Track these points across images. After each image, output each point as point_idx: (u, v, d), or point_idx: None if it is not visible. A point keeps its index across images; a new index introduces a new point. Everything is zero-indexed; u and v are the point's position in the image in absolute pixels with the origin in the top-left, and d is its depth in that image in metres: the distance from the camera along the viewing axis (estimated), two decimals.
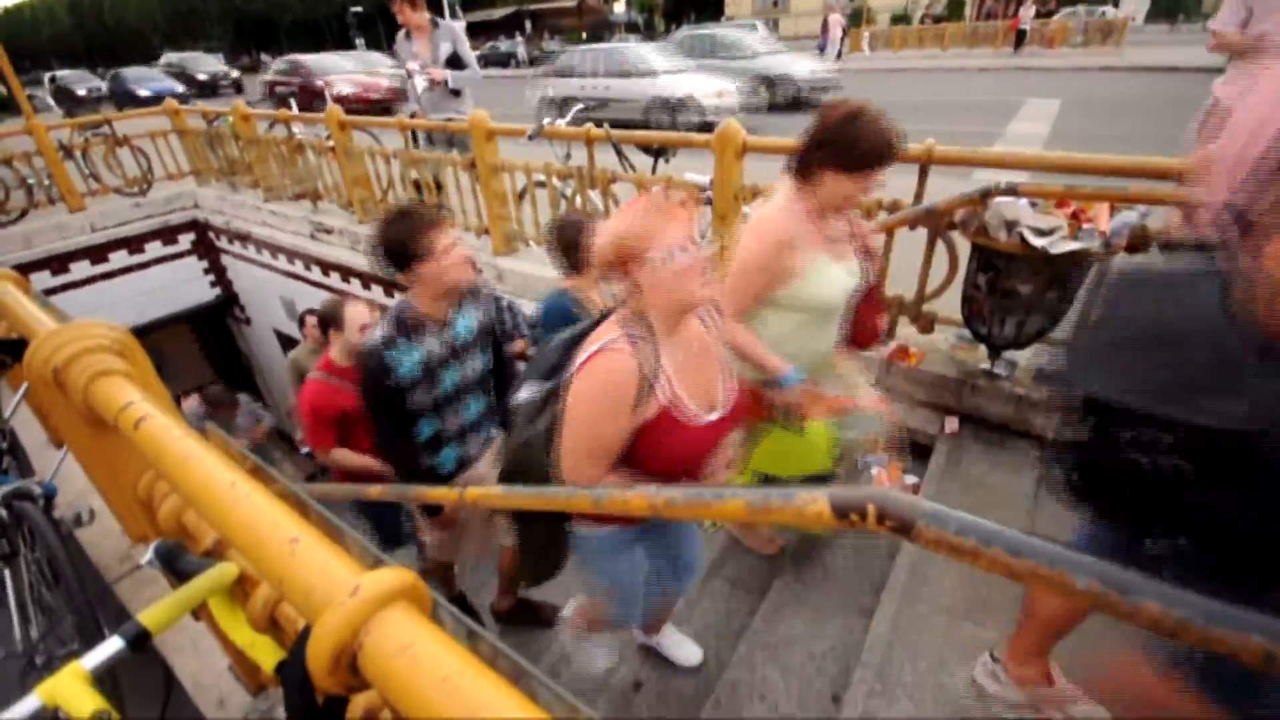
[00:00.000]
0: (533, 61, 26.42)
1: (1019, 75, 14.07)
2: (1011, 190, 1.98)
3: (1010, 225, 1.97)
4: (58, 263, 5.73)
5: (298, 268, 5.59)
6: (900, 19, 29.35)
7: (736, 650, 1.96)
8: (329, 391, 2.38)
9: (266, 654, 0.84)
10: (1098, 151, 2.08)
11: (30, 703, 0.65)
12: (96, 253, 5.97)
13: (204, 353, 8.85)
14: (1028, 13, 18.47)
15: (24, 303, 1.27)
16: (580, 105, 3.74)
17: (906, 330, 2.73)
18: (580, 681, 2.07)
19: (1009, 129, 8.28)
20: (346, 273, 5.04)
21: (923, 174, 2.33)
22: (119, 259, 6.13)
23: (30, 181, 5.65)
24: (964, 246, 2.35)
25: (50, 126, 5.71)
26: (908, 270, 2.64)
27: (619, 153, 3.20)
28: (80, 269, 5.90)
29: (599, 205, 3.41)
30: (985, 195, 2.03)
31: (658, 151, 3.37)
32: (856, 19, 27.14)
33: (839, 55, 19.71)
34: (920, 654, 1.72)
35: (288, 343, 6.98)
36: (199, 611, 1.14)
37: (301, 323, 3.48)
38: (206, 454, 0.73)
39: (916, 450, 2.57)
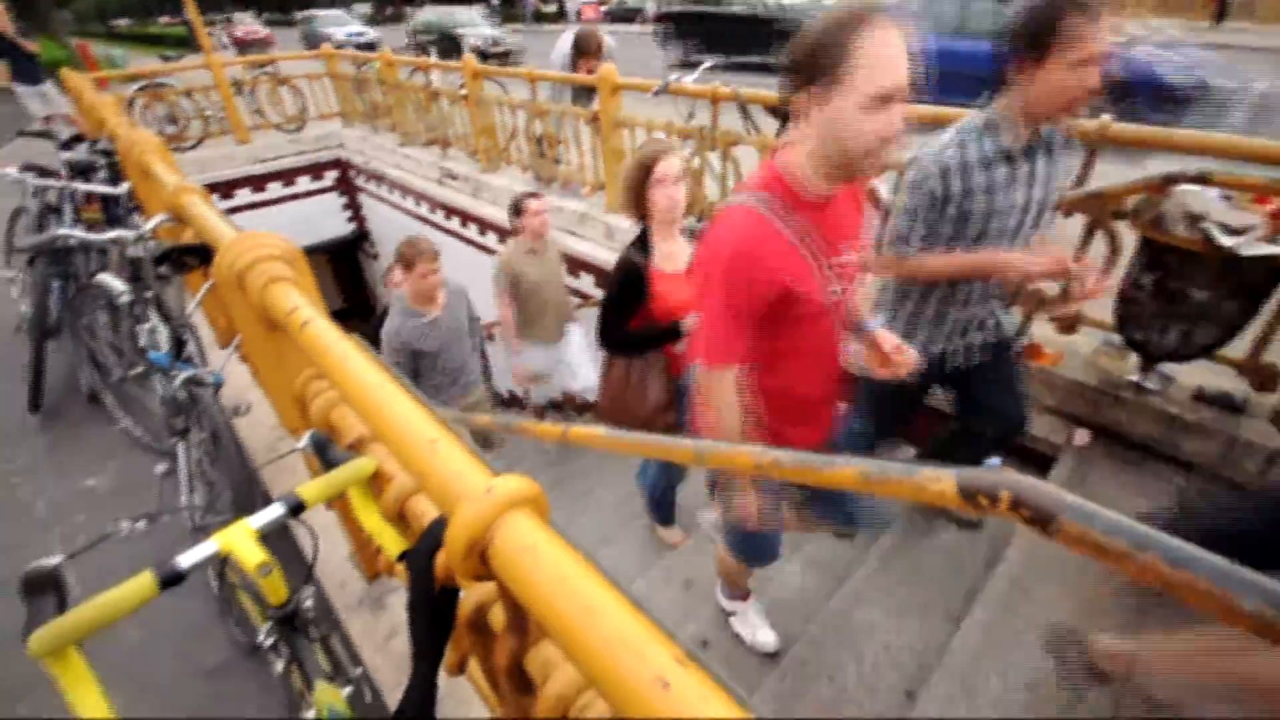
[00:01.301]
0: (659, 20, 25.95)
1: (1218, 55, 12.04)
2: (1202, 179, 1.72)
3: (1193, 219, 1.72)
4: (225, 188, 6.45)
5: (423, 210, 5.95)
6: None
7: (807, 629, 1.94)
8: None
9: (392, 543, 0.93)
10: None
11: (209, 546, 0.76)
12: (256, 182, 6.66)
13: (337, 283, 9.74)
14: None
15: (211, 214, 1.45)
16: (709, 62, 3.63)
17: (1043, 328, 2.48)
18: None
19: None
20: (466, 218, 5.30)
21: (1091, 155, 2.08)
22: (274, 189, 6.80)
23: (207, 113, 6.36)
24: (1128, 239, 2.09)
25: (226, 63, 6.37)
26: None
27: (745, 114, 3.09)
28: (242, 195, 6.62)
29: (717, 168, 3.33)
30: (1168, 182, 1.77)
31: (786, 115, 3.21)
32: None
33: None
34: (1012, 670, 1.62)
35: None
36: (333, 502, 1.29)
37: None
38: (361, 357, 0.81)
39: (1035, 459, 2.37)
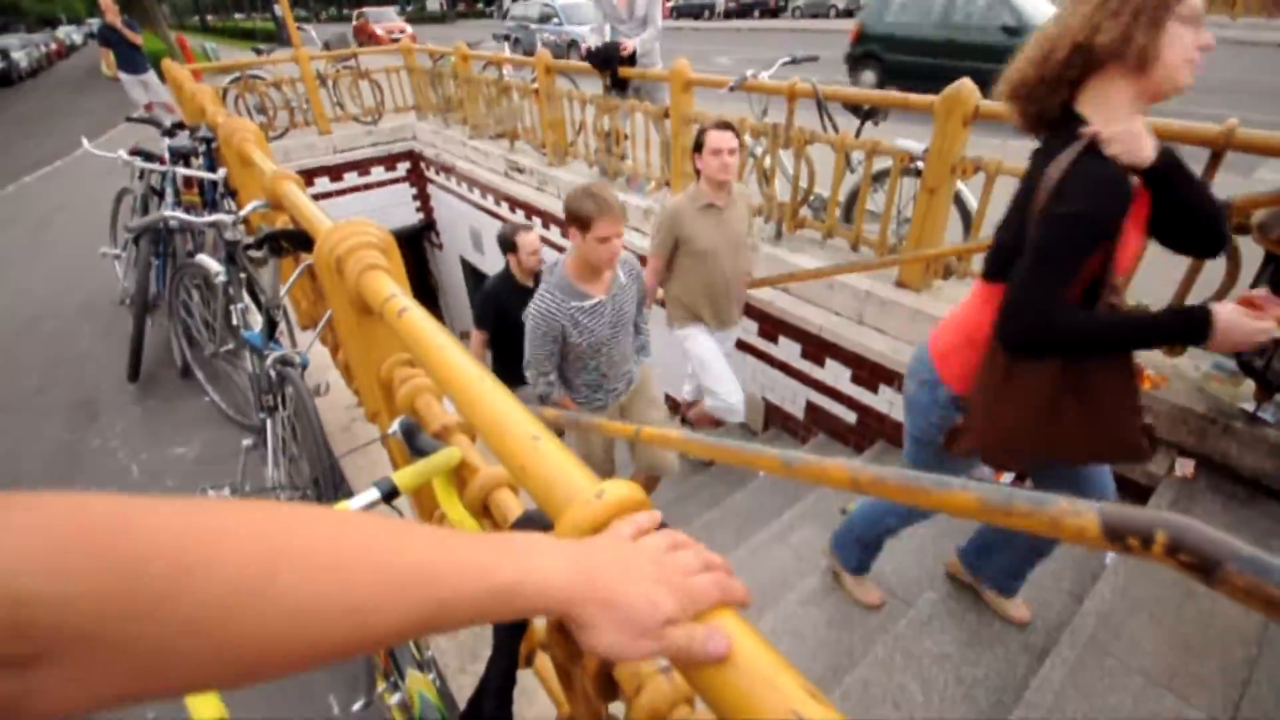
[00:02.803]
0: (728, 14, 25.63)
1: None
2: None
3: None
4: (306, 176, 6.77)
5: (489, 202, 6.08)
6: None
7: (873, 649, 1.86)
8: None
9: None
10: None
11: None
12: (335, 171, 6.96)
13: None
14: None
15: (308, 202, 1.50)
16: (786, 58, 3.54)
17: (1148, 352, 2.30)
18: None
19: None
20: (530, 210, 5.38)
21: (1215, 161, 1.90)
22: (350, 178, 7.09)
23: (293, 104, 6.68)
24: (1249, 255, 1.91)
25: (312, 57, 6.67)
26: (1158, 276, 2.21)
27: (822, 110, 3.00)
28: (321, 184, 6.92)
29: (788, 168, 3.25)
30: None
31: (868, 112, 3.10)
32: None
33: None
34: (1101, 712, 1.51)
35: (471, 271, 7.71)
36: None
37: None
38: (459, 349, 0.81)
39: (1132, 489, 2.20)
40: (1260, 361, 1.89)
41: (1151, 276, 2.22)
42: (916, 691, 1.73)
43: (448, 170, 6.65)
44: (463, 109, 6.21)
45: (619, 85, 4.11)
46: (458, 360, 0.79)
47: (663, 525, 0.54)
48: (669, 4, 27.74)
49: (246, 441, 1.90)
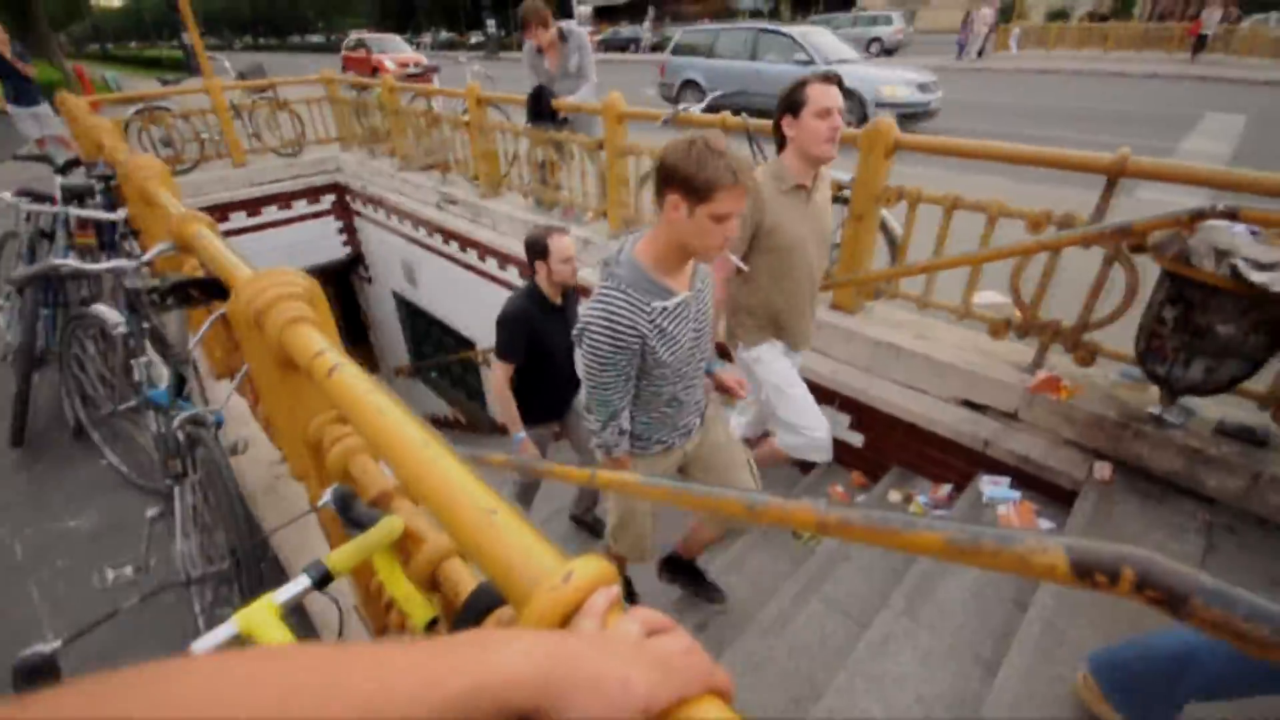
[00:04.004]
0: (655, 48, 26.47)
1: (1196, 85, 12.45)
2: (1230, 214, 1.71)
3: (1221, 255, 1.70)
4: (220, 211, 6.37)
5: (421, 234, 5.91)
6: (1058, 15, 26.77)
7: (836, 677, 1.85)
8: None
9: (420, 609, 0.85)
10: None
11: (227, 629, 0.68)
12: (252, 205, 6.59)
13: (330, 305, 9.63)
14: (1212, 16, 16.26)
15: (222, 248, 1.38)
16: (717, 91, 3.65)
17: (1060, 360, 2.46)
18: None
19: (1183, 145, 7.33)
20: (465, 242, 5.26)
21: (1110, 187, 2.07)
22: (270, 213, 6.74)
23: (204, 136, 6.31)
24: (1147, 271, 2.08)
25: (224, 87, 6.35)
26: (1068, 293, 2.37)
27: (753, 143, 3.09)
28: (237, 219, 6.54)
29: None
30: (1196, 217, 1.76)
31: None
32: (1007, 14, 25.05)
33: (980, 53, 18.31)
34: None
35: (404, 305, 7.44)
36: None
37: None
38: (399, 411, 0.74)
39: (1057, 493, 2.32)
40: (1163, 369, 2.04)
41: (1064, 292, 2.39)
42: (881, 715, 1.73)
43: (376, 203, 6.44)
44: (391, 140, 6.05)
45: (552, 117, 4.11)
46: (397, 424, 0.72)
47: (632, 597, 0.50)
48: (597, 37, 28.41)
49: (152, 511, 1.71)
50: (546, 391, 2.66)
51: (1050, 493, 2.35)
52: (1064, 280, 2.37)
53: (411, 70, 15.37)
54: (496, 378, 2.51)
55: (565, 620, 0.49)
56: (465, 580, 0.80)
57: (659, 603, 2.37)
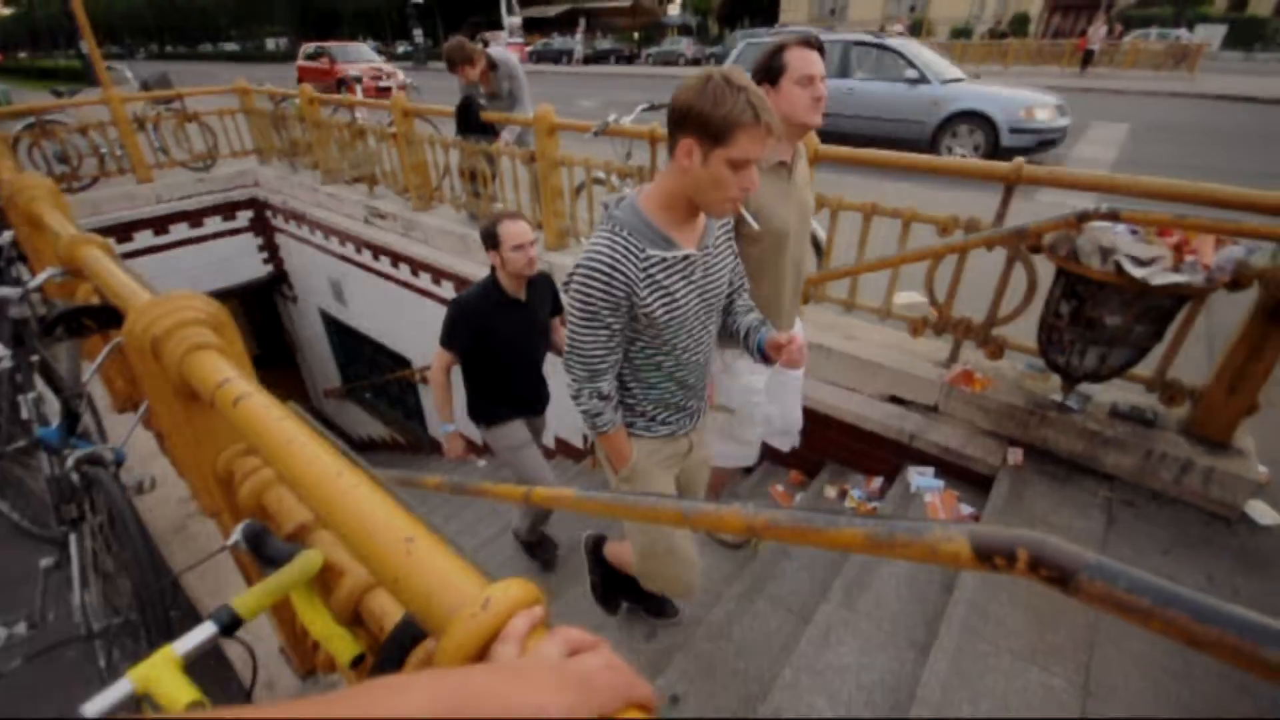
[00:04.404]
0: (587, 60, 26.60)
1: (1084, 97, 13.59)
2: (1112, 215, 1.87)
3: (1106, 252, 1.86)
4: (123, 230, 5.93)
5: (349, 250, 5.69)
6: (961, 33, 28.67)
7: (782, 675, 1.89)
8: None
9: (344, 646, 0.82)
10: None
11: (121, 687, 0.63)
12: (159, 223, 6.17)
13: (251, 327, 9.11)
14: (1097, 32, 17.84)
15: (117, 272, 1.28)
16: (644, 104, 3.71)
17: (973, 354, 2.62)
18: None
19: (1073, 152, 7.98)
20: (397, 258, 5.11)
21: (1008, 193, 2.23)
22: (180, 231, 6.32)
23: (103, 151, 5.86)
24: (1044, 271, 2.25)
25: (126, 99, 5.93)
26: (976, 293, 2.54)
27: None
28: (143, 238, 6.11)
29: None
30: (1082, 218, 1.92)
31: None
32: (916, 31, 26.65)
33: None
34: (982, 695, 1.64)
35: (332, 323, 7.13)
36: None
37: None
38: (310, 439, 0.71)
39: (975, 479, 2.46)
40: (1061, 359, 2.21)
41: (974, 291, 2.55)
42: (825, 708, 1.77)
43: (299, 218, 6.15)
44: (313, 153, 5.81)
45: (482, 129, 4.06)
46: (307, 453, 0.69)
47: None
48: (528, 49, 28.30)
49: (46, 561, 1.55)
50: (516, 389, 2.59)
51: (971, 479, 2.50)
52: (973, 280, 2.53)
53: (384, 84, 13.70)
54: (436, 366, 2.43)
55: (485, 647, 0.48)
56: (390, 613, 0.78)
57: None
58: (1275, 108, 11.75)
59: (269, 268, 7.13)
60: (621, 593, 2.33)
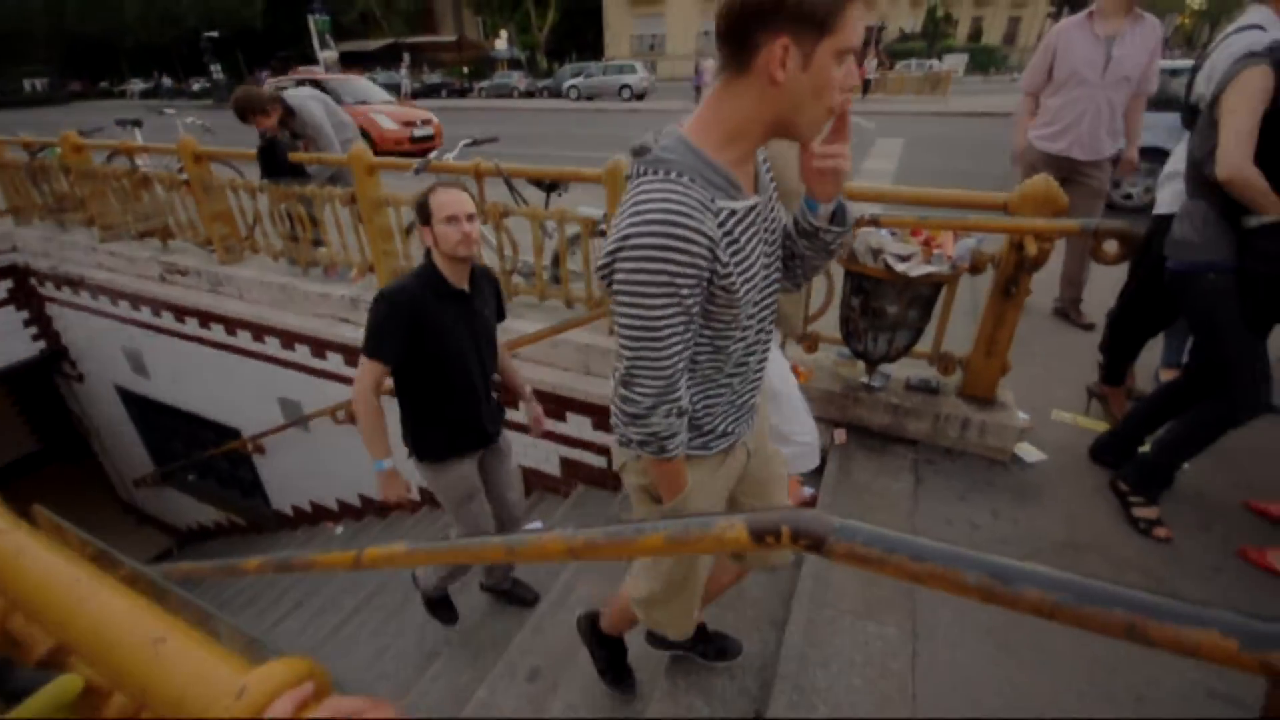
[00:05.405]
0: (416, 95, 25.73)
1: (867, 118, 15.77)
2: (874, 221, 2.20)
3: (876, 252, 2.18)
4: None
5: (144, 314, 4.96)
6: None
7: (659, 684, 1.94)
8: None
9: None
10: (940, 185, 2.37)
11: None
12: None
13: (23, 417, 7.57)
14: (871, 64, 20.94)
15: None
16: (468, 139, 3.68)
17: (795, 350, 2.91)
18: None
19: (863, 165, 9.22)
20: (206, 318, 4.55)
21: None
22: None
23: None
24: (838, 272, 2.57)
25: None
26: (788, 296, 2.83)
27: (510, 187, 3.19)
28: None
29: (491, 239, 3.35)
30: (855, 225, 2.23)
31: (550, 185, 3.39)
32: None
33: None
34: (831, 658, 1.80)
35: (134, 400, 6.14)
36: None
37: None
38: (40, 548, 0.62)
39: None
40: (860, 346, 2.54)
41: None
42: (703, 706, 1.85)
43: (75, 284, 5.26)
44: (86, 208, 5.01)
45: (291, 171, 3.78)
46: (39, 566, 0.60)
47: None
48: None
49: None
50: (457, 408, 2.09)
51: None
52: None
53: (419, 134, 10.26)
54: (360, 384, 1.91)
55: None
56: None
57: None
58: (1009, 119, 14.51)
59: (40, 344, 6.00)
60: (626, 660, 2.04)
